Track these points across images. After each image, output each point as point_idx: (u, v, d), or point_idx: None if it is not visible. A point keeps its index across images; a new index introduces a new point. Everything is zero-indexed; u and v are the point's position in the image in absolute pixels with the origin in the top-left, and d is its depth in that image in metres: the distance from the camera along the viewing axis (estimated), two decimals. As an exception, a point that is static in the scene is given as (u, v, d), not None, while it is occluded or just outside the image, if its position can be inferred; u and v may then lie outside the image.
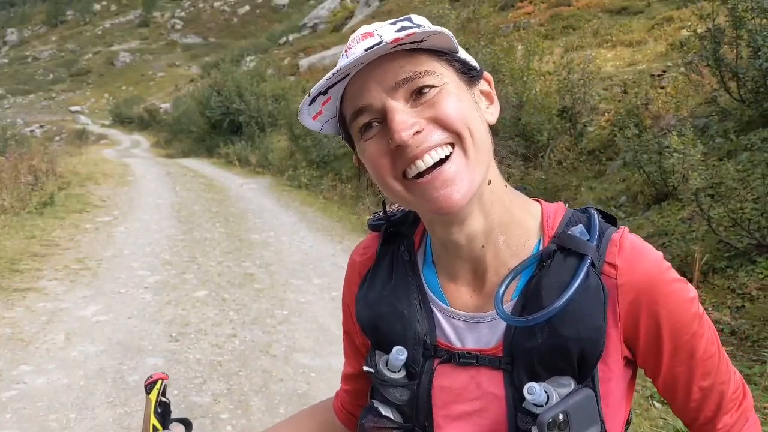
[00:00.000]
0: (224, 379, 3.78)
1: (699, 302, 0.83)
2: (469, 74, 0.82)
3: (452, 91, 0.77)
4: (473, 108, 0.79)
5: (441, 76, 0.77)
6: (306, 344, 4.32)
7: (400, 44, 0.73)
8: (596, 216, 0.84)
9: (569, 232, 0.82)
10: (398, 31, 0.77)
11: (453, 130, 0.75)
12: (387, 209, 0.96)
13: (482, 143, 0.78)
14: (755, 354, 3.63)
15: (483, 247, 0.84)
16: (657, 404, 3.31)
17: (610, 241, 0.81)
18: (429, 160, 0.75)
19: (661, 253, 0.82)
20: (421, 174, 0.76)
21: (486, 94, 0.85)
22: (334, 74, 0.74)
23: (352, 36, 0.81)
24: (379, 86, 0.75)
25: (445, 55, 0.79)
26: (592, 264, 0.79)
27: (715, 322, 3.92)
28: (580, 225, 0.83)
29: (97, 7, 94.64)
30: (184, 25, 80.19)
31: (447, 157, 0.76)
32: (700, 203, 4.61)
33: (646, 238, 5.04)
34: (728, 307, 4.06)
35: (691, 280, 4.28)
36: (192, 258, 6.58)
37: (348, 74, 0.76)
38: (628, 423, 0.94)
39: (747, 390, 0.90)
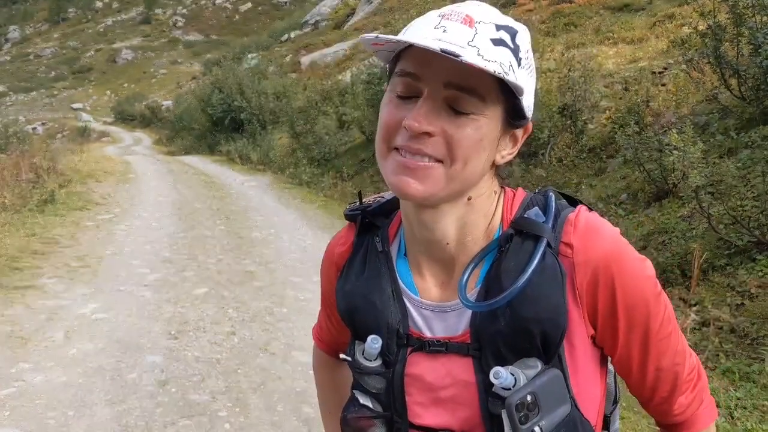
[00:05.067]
0: (223, 377, 3.78)
1: (657, 281, 0.84)
2: (512, 122, 0.81)
3: (481, 127, 0.77)
4: (489, 149, 0.80)
5: (483, 106, 0.77)
6: (305, 342, 4.31)
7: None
8: (552, 198, 0.86)
9: (525, 215, 0.85)
10: (496, 42, 0.76)
11: (452, 154, 0.76)
12: (363, 200, 0.98)
13: (468, 179, 0.80)
14: (754, 352, 3.62)
15: (448, 244, 0.86)
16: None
17: (566, 221, 0.82)
18: (409, 157, 0.78)
19: (618, 230, 0.84)
20: (402, 152, 0.78)
21: (515, 140, 0.85)
22: (403, 41, 0.75)
23: (459, 4, 0.79)
24: (436, 74, 0.76)
25: (506, 90, 0.77)
26: (549, 245, 0.81)
27: (715, 319, 3.91)
28: (536, 207, 0.85)
29: (99, 4, 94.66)
30: (186, 23, 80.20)
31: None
32: (701, 201, 4.60)
33: (647, 236, 4.95)
34: (728, 304, 4.05)
35: (690, 278, 4.29)
36: (192, 256, 6.58)
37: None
38: (615, 402, 0.97)
39: (702, 372, 0.91)
